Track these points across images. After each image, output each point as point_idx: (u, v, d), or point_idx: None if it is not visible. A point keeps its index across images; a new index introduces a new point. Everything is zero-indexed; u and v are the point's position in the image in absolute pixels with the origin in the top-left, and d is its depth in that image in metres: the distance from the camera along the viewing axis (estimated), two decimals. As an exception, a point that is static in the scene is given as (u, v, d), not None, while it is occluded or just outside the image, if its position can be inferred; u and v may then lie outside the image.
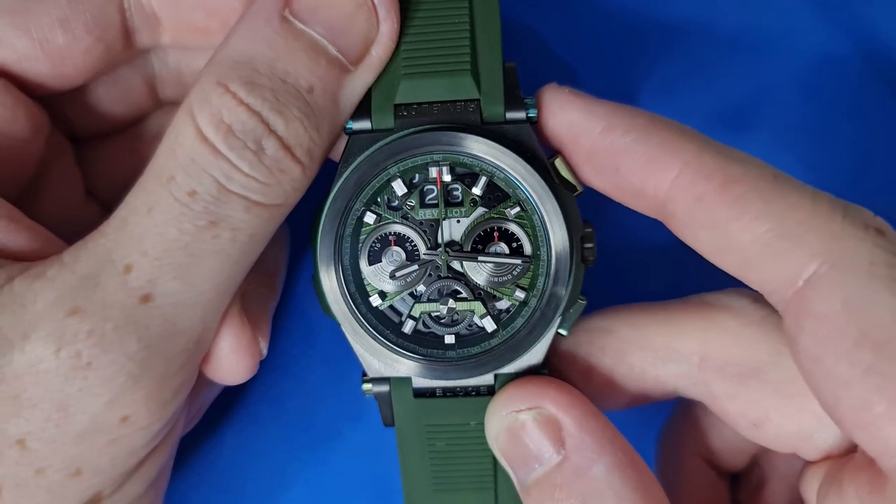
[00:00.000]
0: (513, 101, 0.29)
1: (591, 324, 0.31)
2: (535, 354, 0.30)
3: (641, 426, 0.38)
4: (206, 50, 0.32)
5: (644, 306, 0.31)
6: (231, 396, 0.38)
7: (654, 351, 0.30)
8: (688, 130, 0.27)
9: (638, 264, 0.38)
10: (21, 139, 0.29)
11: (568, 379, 0.31)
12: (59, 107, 0.32)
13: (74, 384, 0.25)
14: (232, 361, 0.29)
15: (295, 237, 0.37)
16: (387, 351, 0.30)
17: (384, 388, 0.31)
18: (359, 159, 0.28)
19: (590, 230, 0.29)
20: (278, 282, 0.35)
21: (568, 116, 0.28)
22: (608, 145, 0.27)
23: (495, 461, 0.31)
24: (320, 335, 0.38)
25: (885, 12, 0.38)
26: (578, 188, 0.29)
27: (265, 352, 0.31)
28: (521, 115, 0.29)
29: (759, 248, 0.25)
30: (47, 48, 0.29)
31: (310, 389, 0.38)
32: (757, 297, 0.30)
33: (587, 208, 0.30)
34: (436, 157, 0.29)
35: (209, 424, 0.38)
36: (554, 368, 0.31)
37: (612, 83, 0.38)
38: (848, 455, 0.28)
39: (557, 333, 0.30)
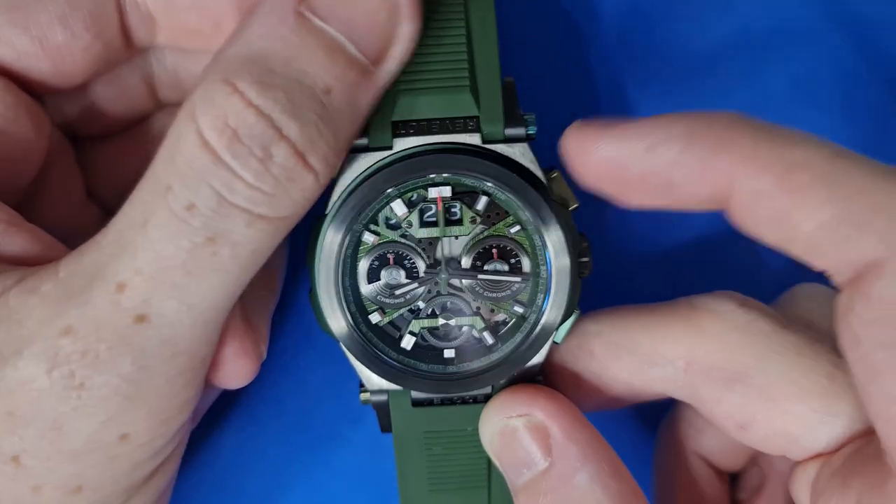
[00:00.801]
0: (512, 119, 0.28)
1: (581, 327, 0.31)
2: (532, 365, 0.30)
3: (640, 425, 0.39)
4: (202, 53, 0.31)
5: (632, 309, 0.31)
6: (231, 396, 0.38)
7: (641, 355, 0.30)
8: (735, 121, 0.26)
9: (630, 267, 0.38)
10: (24, 139, 0.29)
11: (558, 381, 0.32)
12: (58, 106, 0.31)
13: (68, 403, 0.25)
14: (234, 367, 0.29)
15: (295, 235, 0.37)
16: (386, 367, 0.30)
17: (382, 397, 0.31)
18: (358, 180, 0.28)
19: (586, 244, 0.29)
20: (278, 282, 0.35)
21: (605, 152, 0.26)
22: (657, 164, 0.26)
23: (489, 460, 0.31)
24: (320, 335, 0.37)
25: (885, 13, 0.38)
26: (575, 203, 0.29)
27: (265, 354, 0.30)
28: (520, 131, 0.28)
29: (825, 235, 0.24)
30: (47, 46, 0.28)
31: (310, 390, 0.38)
32: (744, 301, 0.30)
33: (577, 212, 0.30)
34: (436, 179, 0.28)
35: (209, 424, 0.37)
36: (545, 371, 0.31)
37: (611, 87, 0.38)
38: (850, 448, 0.28)
39: (552, 342, 0.30)
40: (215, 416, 0.37)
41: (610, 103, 0.38)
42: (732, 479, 0.36)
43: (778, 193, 0.25)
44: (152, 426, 0.26)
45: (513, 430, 0.29)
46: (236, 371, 0.29)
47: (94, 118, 0.32)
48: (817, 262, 0.25)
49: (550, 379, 0.32)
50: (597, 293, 0.34)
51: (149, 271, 0.25)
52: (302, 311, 0.38)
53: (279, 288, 0.35)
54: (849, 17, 0.38)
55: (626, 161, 0.26)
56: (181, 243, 0.25)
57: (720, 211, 0.27)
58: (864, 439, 0.27)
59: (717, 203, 0.26)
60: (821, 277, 0.27)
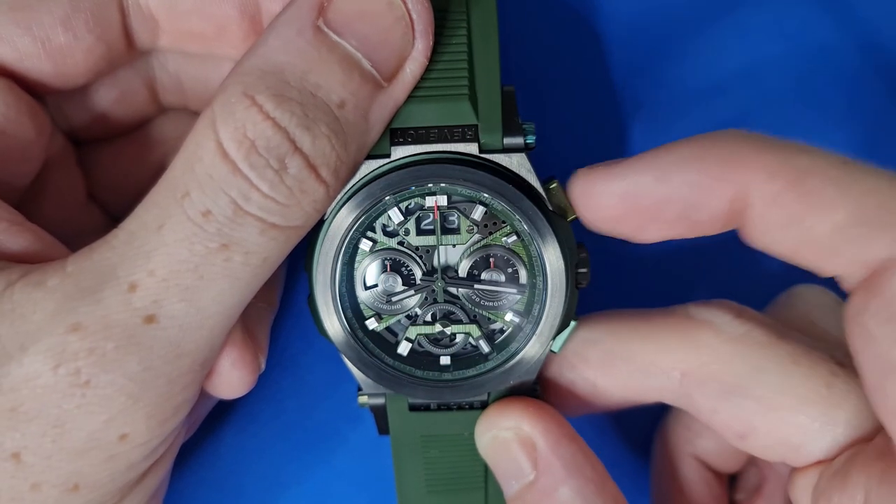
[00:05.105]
0: (511, 128, 0.28)
1: (577, 334, 0.31)
2: (529, 373, 0.30)
3: (637, 428, 0.39)
4: (205, 58, 0.31)
5: (628, 316, 0.31)
6: (230, 396, 0.38)
7: (636, 365, 0.30)
8: (740, 136, 0.26)
9: (628, 270, 0.38)
10: (24, 139, 0.29)
11: (554, 388, 0.32)
12: (60, 107, 0.31)
13: (72, 401, 0.25)
14: (232, 377, 0.29)
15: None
16: (382, 373, 0.30)
17: (380, 401, 0.31)
18: (356, 188, 0.28)
19: (584, 255, 0.29)
20: (276, 296, 0.35)
21: (617, 189, 0.27)
22: (670, 190, 0.26)
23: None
24: (319, 336, 0.38)
25: (885, 12, 0.38)
26: (574, 213, 0.29)
27: (263, 366, 0.31)
28: (518, 141, 0.28)
29: (838, 236, 0.25)
30: (48, 47, 0.28)
31: (309, 389, 0.38)
32: (740, 312, 0.30)
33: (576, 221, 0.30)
34: (433, 188, 0.28)
35: (208, 424, 0.37)
36: (540, 377, 0.31)
37: (613, 97, 0.38)
38: (851, 451, 0.28)
39: (549, 351, 0.30)
40: (215, 416, 0.38)
41: (612, 112, 0.38)
42: (730, 481, 0.36)
43: (791, 198, 0.25)
44: (150, 426, 0.26)
45: (504, 440, 0.29)
46: (233, 381, 0.29)
47: (95, 120, 0.32)
48: (830, 264, 0.26)
49: (546, 385, 0.32)
50: (595, 296, 0.34)
51: (162, 273, 0.25)
52: (301, 313, 0.38)
53: (277, 302, 0.35)
54: (848, 16, 0.38)
55: (638, 194, 0.26)
56: (195, 248, 0.25)
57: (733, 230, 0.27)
58: (863, 444, 0.27)
59: (732, 218, 0.26)
60: (820, 281, 0.27)
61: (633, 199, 0.27)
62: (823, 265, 0.26)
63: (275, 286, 0.35)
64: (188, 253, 0.25)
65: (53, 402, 0.25)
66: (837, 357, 0.28)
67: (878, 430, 0.27)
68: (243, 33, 0.29)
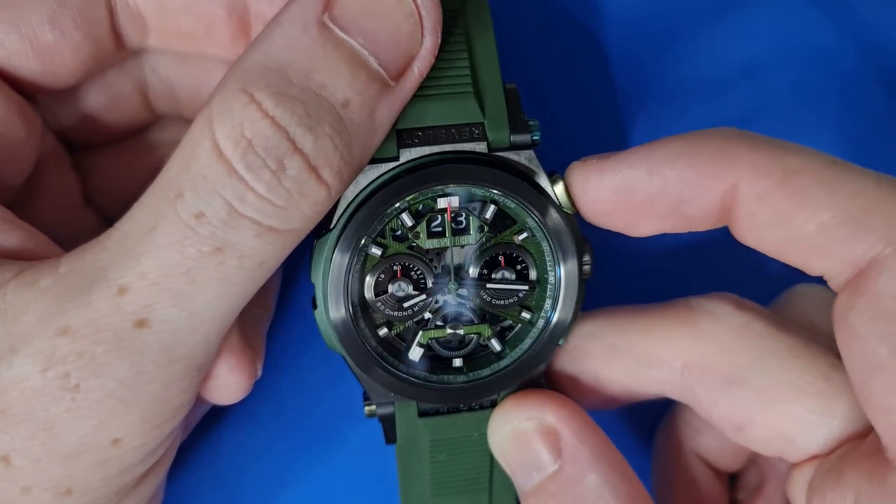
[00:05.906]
0: (517, 125, 0.28)
1: (578, 329, 0.31)
2: (539, 369, 0.30)
3: (639, 425, 0.39)
4: (195, 61, 0.31)
5: (629, 310, 0.31)
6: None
7: (638, 357, 0.30)
8: (731, 134, 0.26)
9: (629, 267, 0.38)
10: (14, 138, 0.28)
11: (556, 382, 0.32)
12: (52, 110, 0.31)
13: (61, 405, 0.25)
14: (229, 383, 0.29)
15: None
16: (395, 381, 0.29)
17: (389, 409, 0.30)
18: (365, 195, 0.27)
19: (588, 248, 0.29)
20: (272, 299, 0.34)
21: (610, 181, 0.27)
22: (662, 184, 0.26)
23: (492, 461, 0.32)
24: (319, 335, 0.38)
25: (885, 14, 0.38)
26: (574, 207, 0.29)
27: (260, 372, 0.30)
28: (525, 138, 0.28)
29: (825, 235, 0.25)
30: (36, 45, 0.28)
31: (309, 389, 0.38)
32: (740, 303, 0.30)
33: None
34: (445, 190, 0.28)
35: (208, 424, 0.37)
36: (545, 371, 0.31)
37: (613, 93, 0.37)
38: (845, 447, 0.28)
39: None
40: (215, 416, 0.37)
41: (612, 111, 0.37)
42: (731, 480, 0.35)
43: (779, 197, 0.25)
44: (145, 430, 0.26)
45: (523, 433, 0.29)
46: (229, 387, 0.29)
47: (88, 125, 0.32)
48: (817, 263, 0.26)
49: (550, 380, 0.32)
50: (596, 293, 0.34)
51: (153, 277, 0.24)
52: (301, 313, 0.38)
53: (273, 306, 0.35)
54: (848, 16, 0.38)
55: (631, 187, 0.27)
56: (187, 251, 0.24)
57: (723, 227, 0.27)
58: (858, 440, 0.27)
59: (723, 215, 0.27)
60: (820, 280, 0.27)
61: (625, 193, 0.27)
62: (811, 264, 0.26)
63: (271, 290, 0.34)
64: (180, 256, 0.24)
65: (42, 405, 0.25)
66: (836, 351, 0.28)
67: (872, 427, 0.27)
68: (231, 33, 0.29)
